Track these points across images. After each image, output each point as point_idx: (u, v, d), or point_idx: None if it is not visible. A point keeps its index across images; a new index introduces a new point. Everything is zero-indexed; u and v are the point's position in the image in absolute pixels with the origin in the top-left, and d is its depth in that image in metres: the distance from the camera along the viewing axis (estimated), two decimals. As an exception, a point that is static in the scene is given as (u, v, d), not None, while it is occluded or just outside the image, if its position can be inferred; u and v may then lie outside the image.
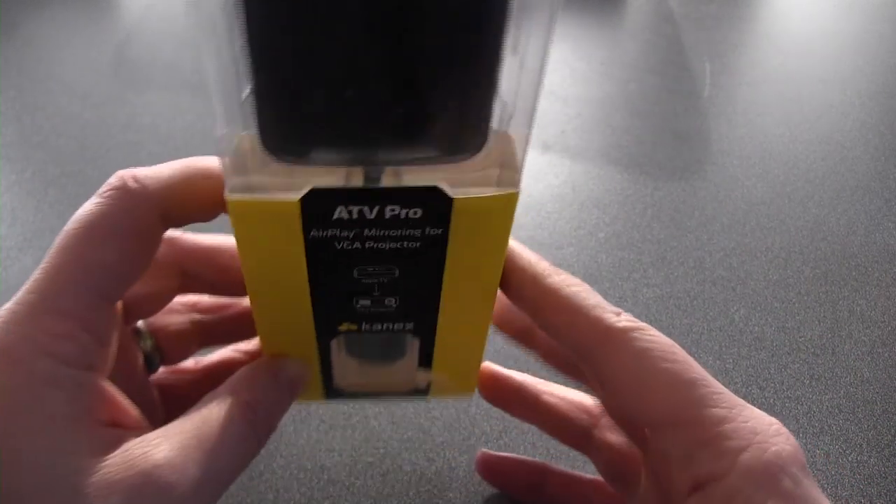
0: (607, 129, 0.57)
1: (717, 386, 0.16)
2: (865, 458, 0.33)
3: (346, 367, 0.21)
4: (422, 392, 0.23)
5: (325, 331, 0.20)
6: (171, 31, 0.69)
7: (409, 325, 0.19)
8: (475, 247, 0.17)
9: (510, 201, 0.16)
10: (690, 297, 0.42)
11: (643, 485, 0.19)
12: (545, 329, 0.19)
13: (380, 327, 0.19)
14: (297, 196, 0.14)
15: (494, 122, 0.13)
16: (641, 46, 0.71)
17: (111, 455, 0.14)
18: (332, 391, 0.23)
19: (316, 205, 0.15)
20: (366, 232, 0.15)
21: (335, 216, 0.15)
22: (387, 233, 0.15)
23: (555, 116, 0.59)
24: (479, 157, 0.14)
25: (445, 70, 0.12)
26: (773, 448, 0.15)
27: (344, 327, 0.19)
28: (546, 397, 0.24)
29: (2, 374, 0.14)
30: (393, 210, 0.15)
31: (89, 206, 0.16)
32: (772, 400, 0.36)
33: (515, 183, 0.15)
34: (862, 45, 0.72)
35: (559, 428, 0.24)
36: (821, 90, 0.64)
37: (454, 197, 0.15)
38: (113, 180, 0.17)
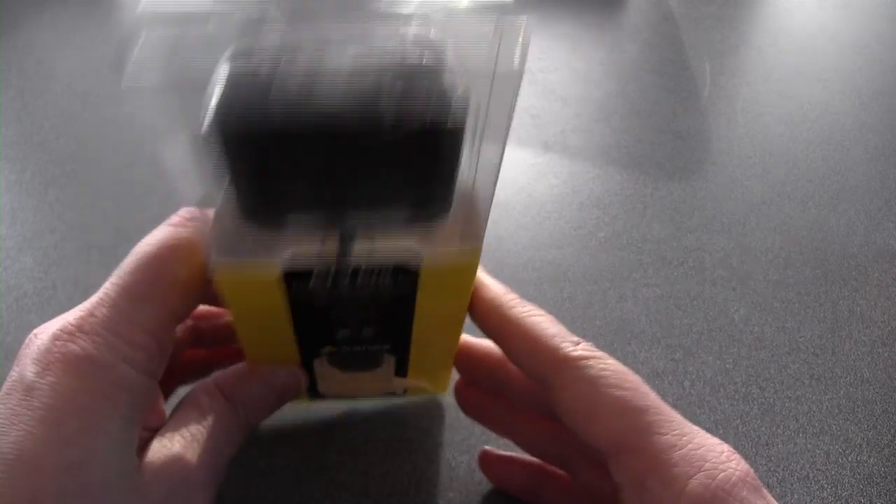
0: (607, 128, 0.57)
1: (668, 413, 0.17)
2: (865, 458, 0.33)
3: (328, 376, 0.23)
4: (398, 394, 0.26)
5: (308, 354, 0.22)
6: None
7: (387, 347, 0.21)
8: (443, 294, 0.19)
9: (473, 255, 0.17)
10: (690, 297, 0.42)
11: None
12: (509, 356, 0.20)
13: (359, 349, 0.21)
14: (276, 268, 0.16)
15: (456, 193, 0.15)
16: (641, 46, 0.71)
17: (146, 454, 0.16)
18: (315, 394, 0.25)
19: (295, 274, 0.16)
20: (341, 286, 0.17)
21: (313, 278, 0.17)
22: (360, 287, 0.17)
23: (554, 116, 0.59)
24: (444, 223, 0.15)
25: (406, 172, 0.14)
26: (722, 474, 0.15)
27: (326, 350, 0.21)
28: (519, 423, 0.24)
29: (89, 376, 0.15)
30: (365, 279, 0.17)
31: (165, 230, 0.17)
32: (772, 400, 0.36)
33: (478, 238, 0.16)
34: (862, 45, 0.72)
35: (537, 452, 0.25)
36: (821, 90, 0.64)
37: (419, 269, 0.17)
38: (184, 212, 0.18)
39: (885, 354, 0.39)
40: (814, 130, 0.58)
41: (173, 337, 0.18)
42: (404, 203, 0.14)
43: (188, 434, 0.17)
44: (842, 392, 0.36)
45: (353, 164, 0.13)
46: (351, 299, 0.18)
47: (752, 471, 0.15)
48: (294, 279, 0.17)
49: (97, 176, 0.49)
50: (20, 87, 0.58)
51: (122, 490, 0.15)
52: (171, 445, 0.17)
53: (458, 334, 0.22)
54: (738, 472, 0.15)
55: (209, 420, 0.18)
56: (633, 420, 0.16)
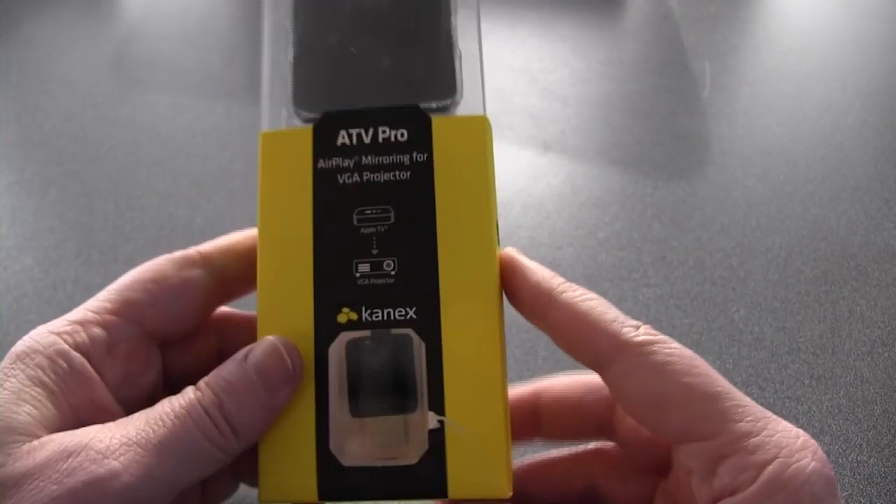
0: (607, 128, 0.57)
1: (742, 399, 0.16)
2: (865, 458, 0.33)
3: (346, 430, 0.19)
4: (440, 488, 0.18)
5: (324, 316, 0.19)
6: (172, 31, 0.69)
7: (412, 312, 0.19)
8: (461, 176, 0.19)
9: (481, 124, 0.19)
10: (690, 297, 0.42)
11: (674, 473, 0.19)
12: (562, 346, 0.18)
13: (380, 316, 0.19)
14: (310, 131, 0.19)
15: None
16: (641, 46, 0.71)
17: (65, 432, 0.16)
18: (329, 484, 0.18)
19: (324, 129, 0.19)
20: (363, 160, 0.19)
21: (339, 142, 0.19)
22: (381, 160, 0.19)
23: (554, 116, 0.59)
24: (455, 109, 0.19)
25: (416, 42, 0.19)
26: (798, 463, 0.15)
27: (343, 317, 0.19)
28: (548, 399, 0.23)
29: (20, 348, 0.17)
30: (384, 132, 0.19)
31: (160, 260, 0.20)
32: (772, 400, 0.36)
33: (480, 112, 0.19)
34: (862, 45, 0.72)
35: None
36: (821, 90, 0.64)
37: (432, 117, 0.19)
38: (183, 252, 0.20)
39: (885, 354, 0.39)
40: (814, 130, 0.58)
41: (131, 338, 0.19)
42: (419, 79, 0.19)
43: (127, 431, 0.17)
44: (842, 392, 0.37)
45: (379, 35, 0.19)
46: (372, 169, 0.19)
47: (828, 463, 0.15)
48: (322, 140, 0.19)
49: (97, 176, 0.49)
50: (20, 87, 0.58)
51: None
52: (94, 435, 0.17)
53: (497, 328, 0.19)
54: (813, 463, 0.15)
55: (162, 420, 0.17)
56: (705, 408, 0.16)
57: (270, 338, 0.18)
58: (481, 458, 0.18)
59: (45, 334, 0.18)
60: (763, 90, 0.64)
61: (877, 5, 0.80)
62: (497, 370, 0.18)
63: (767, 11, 0.80)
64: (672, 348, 0.17)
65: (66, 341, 0.17)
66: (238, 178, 0.51)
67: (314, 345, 0.19)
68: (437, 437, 0.18)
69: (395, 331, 0.19)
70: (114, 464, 0.15)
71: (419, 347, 0.19)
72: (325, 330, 0.19)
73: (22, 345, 0.17)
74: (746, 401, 0.16)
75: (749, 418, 0.16)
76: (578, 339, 0.18)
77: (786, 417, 0.36)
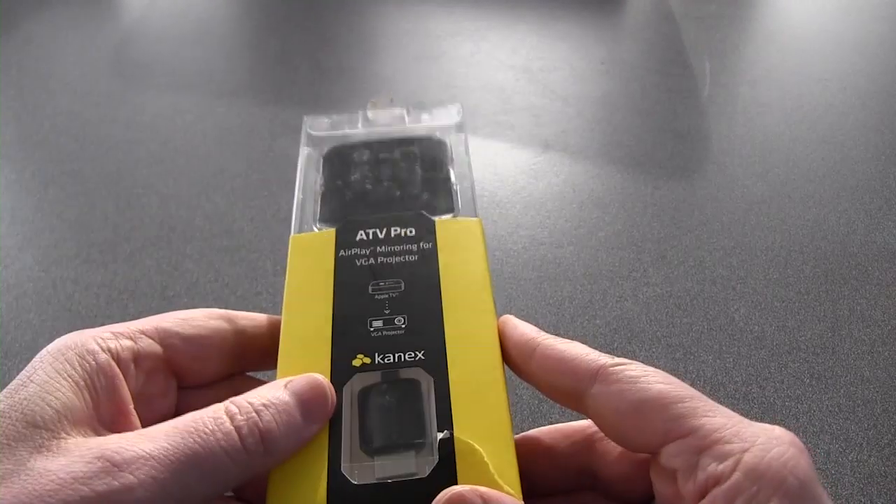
0: (607, 128, 0.57)
1: (712, 402, 0.17)
2: (865, 458, 0.33)
3: (357, 459, 0.19)
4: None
5: (340, 360, 0.20)
6: (172, 31, 0.69)
7: (420, 354, 0.20)
8: (460, 258, 0.22)
9: (475, 224, 0.23)
10: (690, 296, 0.42)
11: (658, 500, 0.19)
12: (544, 388, 0.20)
13: (391, 359, 0.20)
14: (332, 233, 0.23)
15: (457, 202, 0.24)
16: (641, 45, 0.71)
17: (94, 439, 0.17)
18: (338, 492, 0.19)
19: (346, 229, 0.23)
20: (377, 249, 0.23)
21: (357, 238, 0.23)
22: (393, 248, 0.23)
23: (555, 115, 0.59)
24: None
25: (423, 184, 0.24)
26: (776, 448, 0.15)
27: (358, 361, 0.20)
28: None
29: (55, 348, 0.18)
30: (395, 230, 0.23)
31: (194, 310, 0.21)
32: (772, 399, 0.36)
33: (474, 217, 0.24)
34: (862, 45, 0.72)
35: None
36: (821, 90, 0.64)
37: (434, 219, 0.23)
38: (217, 309, 0.21)
39: (885, 354, 0.39)
40: (814, 130, 0.58)
41: (150, 359, 0.19)
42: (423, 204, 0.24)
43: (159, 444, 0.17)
44: (842, 391, 0.36)
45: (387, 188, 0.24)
46: (385, 255, 0.23)
47: (806, 451, 0.15)
48: (343, 238, 0.23)
49: (97, 175, 0.49)
50: (20, 86, 0.58)
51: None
52: (123, 443, 0.17)
53: (497, 356, 0.20)
54: (793, 449, 0.15)
55: (193, 432, 0.17)
56: (680, 408, 0.17)
57: (312, 374, 0.19)
58: (491, 470, 0.19)
59: (78, 335, 0.19)
60: (763, 89, 0.64)
61: (877, 5, 0.80)
62: (501, 395, 0.20)
63: (767, 11, 0.80)
64: (645, 367, 0.18)
65: (97, 343, 0.18)
66: (238, 179, 0.51)
67: (330, 381, 0.21)
68: (447, 450, 0.19)
69: (405, 370, 0.20)
70: (129, 478, 0.15)
71: (428, 387, 0.20)
72: (340, 372, 0.20)
73: (54, 344, 0.18)
74: (717, 405, 0.17)
75: (723, 413, 0.16)
76: (559, 372, 0.19)
77: (786, 416, 0.36)
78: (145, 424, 0.19)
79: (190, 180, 0.50)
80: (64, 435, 0.16)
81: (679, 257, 0.45)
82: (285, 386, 0.18)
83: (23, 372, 0.17)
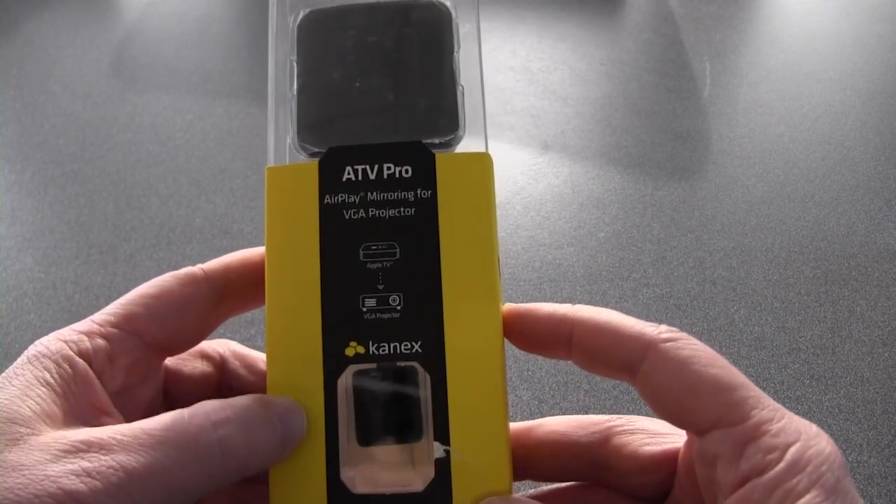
0: (607, 128, 0.57)
1: (759, 391, 0.18)
2: (865, 458, 0.33)
3: (355, 458, 0.19)
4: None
5: (332, 349, 0.20)
6: (171, 31, 0.69)
7: (417, 345, 0.19)
8: (464, 213, 0.20)
9: (483, 160, 0.19)
10: (690, 297, 0.42)
11: (673, 495, 0.20)
12: (586, 363, 0.19)
13: (387, 349, 0.19)
14: (315, 166, 0.20)
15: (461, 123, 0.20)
16: (641, 46, 0.71)
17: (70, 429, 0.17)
18: (338, 501, 0.19)
19: (330, 164, 0.19)
20: (368, 196, 0.19)
21: (344, 178, 0.19)
22: (386, 196, 0.19)
23: (554, 116, 0.59)
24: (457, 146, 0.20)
25: (420, 78, 0.20)
26: (817, 445, 0.16)
27: (351, 350, 0.20)
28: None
29: (31, 353, 0.18)
30: (389, 168, 0.19)
31: (164, 277, 0.20)
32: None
33: (482, 150, 0.20)
34: (862, 45, 0.72)
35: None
36: (821, 90, 0.64)
37: (435, 153, 0.19)
38: (186, 269, 0.20)
39: (885, 354, 0.39)
40: (814, 130, 0.58)
41: (132, 351, 0.19)
42: (423, 116, 0.20)
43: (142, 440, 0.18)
44: (842, 392, 0.36)
45: (383, 74, 0.20)
46: (377, 205, 0.20)
47: (839, 450, 0.17)
48: (328, 176, 0.19)
49: (97, 176, 0.49)
50: (20, 87, 0.58)
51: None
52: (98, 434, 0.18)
53: (499, 355, 0.19)
54: (829, 448, 0.16)
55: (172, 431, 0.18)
56: (731, 396, 0.18)
57: (293, 400, 0.19)
58: (485, 485, 0.19)
59: (53, 340, 0.19)
60: (763, 90, 0.64)
61: (877, 5, 0.80)
62: (499, 401, 0.19)
63: (767, 11, 0.80)
64: (695, 344, 0.18)
65: (71, 348, 0.18)
66: (238, 179, 0.51)
67: (323, 377, 0.20)
68: (443, 466, 0.19)
69: (400, 363, 0.19)
70: (108, 460, 0.15)
71: (424, 379, 0.19)
72: (333, 362, 0.20)
73: (33, 349, 0.19)
74: (763, 394, 0.18)
75: (769, 407, 0.17)
76: (602, 347, 0.19)
77: (786, 417, 0.36)
78: (132, 412, 0.20)
79: (190, 181, 0.50)
80: (42, 430, 0.16)
81: (679, 258, 0.45)
82: (267, 405, 0.18)
83: (1, 376, 0.17)
